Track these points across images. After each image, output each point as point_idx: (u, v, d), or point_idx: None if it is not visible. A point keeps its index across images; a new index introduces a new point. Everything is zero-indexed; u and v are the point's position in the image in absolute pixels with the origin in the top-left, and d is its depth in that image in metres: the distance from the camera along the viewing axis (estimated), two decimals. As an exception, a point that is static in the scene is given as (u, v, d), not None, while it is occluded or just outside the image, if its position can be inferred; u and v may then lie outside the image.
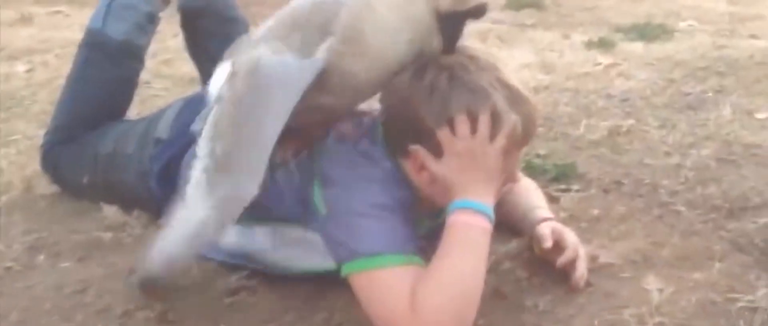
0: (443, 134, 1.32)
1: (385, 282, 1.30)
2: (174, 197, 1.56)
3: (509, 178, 1.40)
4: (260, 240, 1.52)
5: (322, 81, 1.31)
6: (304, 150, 1.46)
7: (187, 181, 1.35)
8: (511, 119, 1.31)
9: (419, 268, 1.32)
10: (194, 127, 1.52)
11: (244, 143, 1.31)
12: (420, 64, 1.33)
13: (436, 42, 1.33)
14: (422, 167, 1.36)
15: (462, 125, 1.30)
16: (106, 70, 1.92)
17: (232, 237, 1.54)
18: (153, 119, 1.81)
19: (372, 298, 1.32)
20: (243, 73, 1.33)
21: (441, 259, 1.30)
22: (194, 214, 1.31)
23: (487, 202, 1.32)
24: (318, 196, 1.39)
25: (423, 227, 1.42)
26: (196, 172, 1.33)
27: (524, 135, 1.35)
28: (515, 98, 1.33)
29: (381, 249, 1.32)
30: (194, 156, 1.35)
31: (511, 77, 1.35)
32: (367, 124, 1.45)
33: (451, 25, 1.30)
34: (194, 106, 1.74)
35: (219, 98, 1.38)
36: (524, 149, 1.49)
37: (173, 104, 1.83)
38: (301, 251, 1.46)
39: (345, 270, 1.35)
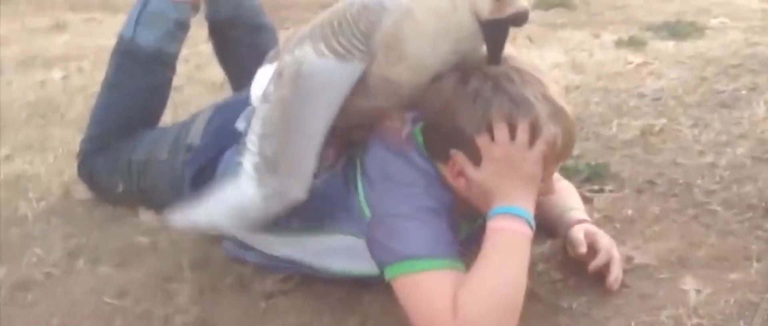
0: (482, 140, 1.32)
1: (428, 285, 1.31)
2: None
3: (545, 190, 1.40)
4: (308, 249, 1.52)
5: (362, 86, 1.34)
6: (344, 152, 1.47)
7: (237, 170, 1.41)
8: (551, 130, 1.32)
9: (461, 273, 1.32)
10: (238, 125, 1.58)
11: (291, 146, 1.36)
12: (465, 71, 1.34)
13: (480, 50, 1.33)
14: (460, 173, 1.36)
15: (501, 131, 1.31)
16: (137, 78, 1.94)
17: (285, 248, 1.55)
18: (184, 125, 1.83)
19: (414, 302, 1.32)
20: (288, 74, 1.36)
21: (483, 265, 1.30)
22: (244, 197, 1.38)
23: (527, 207, 1.32)
24: (362, 199, 1.40)
25: (461, 232, 1.43)
26: (248, 165, 1.38)
27: (563, 149, 1.36)
28: (557, 112, 1.33)
29: (425, 252, 1.32)
30: (243, 150, 1.40)
31: (556, 93, 1.36)
32: (409, 123, 1.45)
33: (493, 33, 1.30)
34: (225, 112, 1.77)
35: (266, 96, 1.40)
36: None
37: (204, 110, 1.84)
38: (347, 258, 1.46)
39: (388, 273, 1.35)
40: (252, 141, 1.39)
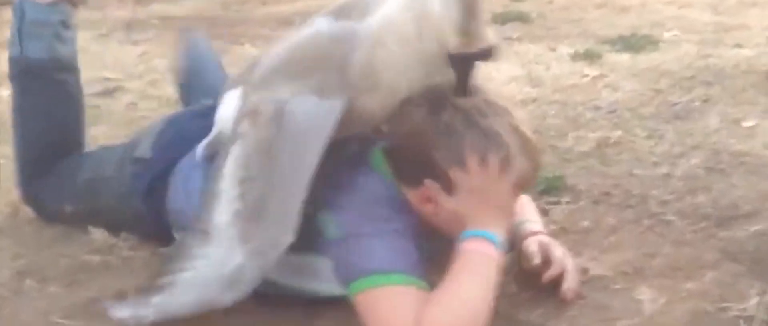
0: (456, 173, 1.34)
1: (390, 300, 1.31)
2: (158, 218, 1.56)
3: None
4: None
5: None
6: None
7: (206, 213, 1.35)
8: (521, 163, 1.35)
9: (425, 292, 1.32)
10: (200, 152, 1.55)
11: (278, 190, 1.32)
12: (435, 101, 1.35)
13: (449, 76, 1.33)
14: (429, 200, 1.38)
15: (474, 163, 1.33)
16: (44, 93, 1.88)
17: None
18: (131, 142, 1.80)
19: (376, 317, 1.32)
20: (268, 116, 1.34)
21: (449, 284, 1.31)
22: (230, 258, 1.31)
23: (499, 233, 1.35)
24: (327, 221, 1.39)
25: (422, 251, 1.42)
26: (223, 218, 1.33)
27: (531, 179, 1.41)
28: (526, 144, 1.36)
29: (389, 268, 1.33)
30: (212, 200, 1.35)
31: (523, 122, 1.39)
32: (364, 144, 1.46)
33: (460, 67, 1.30)
34: (177, 124, 1.75)
35: (239, 135, 1.37)
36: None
37: (153, 125, 1.82)
38: (309, 278, 1.45)
39: (352, 290, 1.34)
40: (229, 185, 1.34)
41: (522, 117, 1.40)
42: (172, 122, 1.78)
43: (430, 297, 1.31)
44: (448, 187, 1.36)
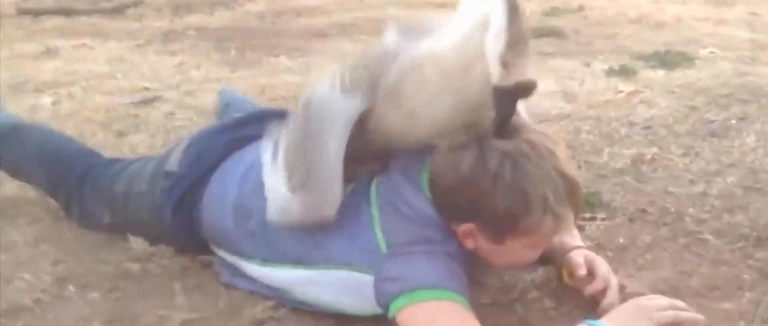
0: (504, 226, 1.38)
1: (436, 314, 1.33)
2: (190, 231, 1.67)
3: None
4: (291, 280, 1.53)
5: (362, 121, 1.42)
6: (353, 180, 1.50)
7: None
8: (565, 209, 1.38)
9: (471, 313, 1.35)
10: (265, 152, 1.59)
11: (313, 170, 1.44)
12: (483, 146, 1.37)
13: (489, 114, 1.35)
14: (470, 236, 1.41)
15: (523, 231, 1.37)
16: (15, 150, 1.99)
17: (263, 278, 1.56)
18: (163, 156, 1.83)
19: None
20: (301, 104, 1.48)
21: None
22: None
23: None
24: (379, 236, 1.42)
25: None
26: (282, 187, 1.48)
27: (575, 215, 1.46)
28: (570, 186, 1.38)
29: (436, 283, 1.35)
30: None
31: (567, 159, 1.41)
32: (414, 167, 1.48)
33: (500, 100, 1.31)
34: (203, 140, 1.78)
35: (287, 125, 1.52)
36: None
37: (182, 139, 1.85)
38: (347, 293, 1.47)
39: (395, 306, 1.36)
40: (279, 168, 1.49)
41: (566, 155, 1.42)
42: (198, 138, 1.80)
43: None
44: (493, 235, 1.39)
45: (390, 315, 1.38)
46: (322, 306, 1.50)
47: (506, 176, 1.34)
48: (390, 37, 1.45)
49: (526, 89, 1.30)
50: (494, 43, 1.27)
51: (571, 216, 1.42)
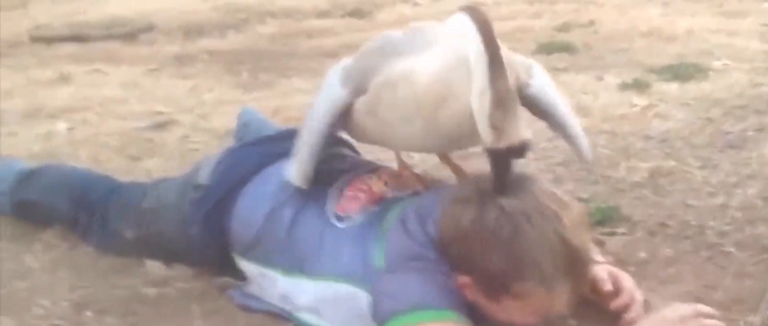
0: (504, 299, 1.34)
1: None
2: (216, 244, 1.68)
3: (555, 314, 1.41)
4: (304, 296, 1.52)
5: (344, 116, 1.47)
6: (371, 206, 1.51)
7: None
8: (563, 283, 1.32)
9: None
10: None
11: (302, 135, 1.53)
12: (484, 202, 1.33)
13: (478, 140, 1.32)
14: (466, 288, 1.37)
15: (516, 298, 1.33)
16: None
17: (280, 289, 1.54)
18: (192, 170, 1.83)
19: None
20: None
21: None
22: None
23: None
24: (380, 252, 1.41)
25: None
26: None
27: (577, 296, 1.37)
28: (572, 256, 1.31)
29: (431, 303, 1.32)
30: None
31: (572, 228, 1.32)
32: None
33: (494, 162, 1.29)
34: (237, 154, 1.79)
35: None
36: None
37: (214, 154, 1.85)
38: (345, 310, 1.45)
39: (395, 324, 1.33)
40: None
41: (574, 220, 1.34)
42: (231, 151, 1.81)
43: None
44: (484, 291, 1.35)
45: None
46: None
47: (503, 237, 1.30)
48: (394, 37, 1.46)
49: (518, 152, 1.27)
50: (480, 102, 1.25)
51: (568, 289, 1.33)
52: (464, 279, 1.36)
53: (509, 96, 1.24)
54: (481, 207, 1.32)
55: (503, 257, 1.30)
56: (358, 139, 1.60)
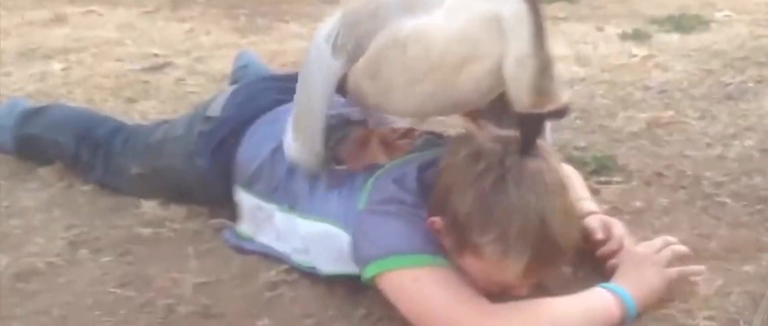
0: (466, 253, 1.30)
1: (427, 282, 1.30)
2: (222, 176, 1.68)
3: (516, 291, 1.35)
4: (296, 235, 1.53)
5: (342, 82, 1.39)
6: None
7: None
8: (522, 256, 1.26)
9: (455, 273, 1.32)
10: None
11: (299, 110, 1.47)
12: (484, 146, 1.30)
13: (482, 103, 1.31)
14: (437, 231, 1.34)
15: (478, 254, 1.29)
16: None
17: (276, 224, 1.56)
18: (202, 104, 1.84)
19: (411, 299, 1.32)
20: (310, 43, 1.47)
21: (554, 304, 1.32)
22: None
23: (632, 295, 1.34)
24: (365, 195, 1.41)
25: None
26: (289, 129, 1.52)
27: (532, 272, 1.30)
28: (541, 234, 1.25)
29: (411, 248, 1.32)
30: None
31: (558, 213, 1.27)
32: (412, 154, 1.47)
33: (527, 125, 1.25)
34: (250, 87, 1.79)
35: None
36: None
37: (227, 88, 1.85)
38: (330, 250, 1.46)
39: (374, 268, 1.34)
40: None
41: (562, 206, 1.28)
42: (246, 85, 1.81)
43: (519, 304, 1.30)
44: (451, 239, 1.32)
45: (364, 277, 1.35)
46: (322, 270, 1.49)
47: (484, 186, 1.27)
48: None
49: (562, 114, 1.24)
50: (521, 67, 1.19)
51: (523, 263, 1.26)
52: (436, 220, 1.34)
53: (551, 59, 1.20)
54: (477, 150, 1.31)
55: (476, 203, 1.26)
56: (353, 104, 1.53)
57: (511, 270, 1.27)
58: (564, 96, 1.22)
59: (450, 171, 1.32)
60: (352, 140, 1.55)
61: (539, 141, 1.30)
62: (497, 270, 1.29)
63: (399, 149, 1.52)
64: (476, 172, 1.28)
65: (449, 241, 1.32)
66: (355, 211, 1.40)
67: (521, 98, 1.22)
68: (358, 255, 1.37)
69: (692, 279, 1.40)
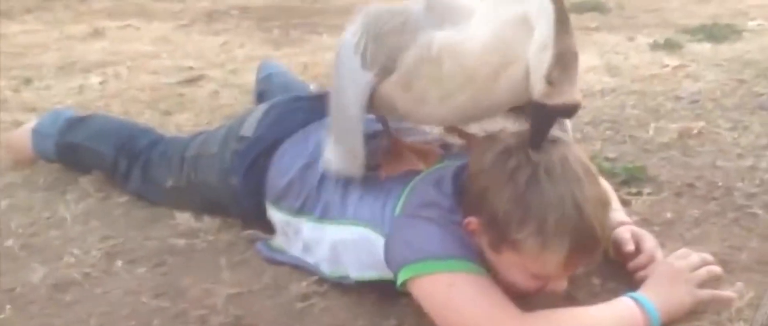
0: (504, 249, 1.32)
1: (460, 289, 1.31)
2: (254, 194, 1.69)
3: (555, 286, 1.37)
4: (324, 245, 1.54)
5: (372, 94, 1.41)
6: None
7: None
8: (562, 245, 1.27)
9: (491, 281, 1.33)
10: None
11: (337, 120, 1.48)
12: (510, 146, 1.32)
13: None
14: (473, 233, 1.36)
15: (518, 251, 1.31)
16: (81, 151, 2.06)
17: (304, 237, 1.58)
18: (235, 122, 1.87)
19: (445, 305, 1.32)
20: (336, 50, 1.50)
21: (584, 314, 1.33)
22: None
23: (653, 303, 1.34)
24: (401, 201, 1.42)
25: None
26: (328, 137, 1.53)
27: (572, 263, 1.32)
28: (579, 222, 1.27)
29: (447, 253, 1.33)
30: None
31: (591, 199, 1.29)
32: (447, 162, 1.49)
33: (537, 115, 1.27)
34: (281, 107, 1.81)
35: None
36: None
37: (259, 107, 1.88)
38: (362, 254, 1.47)
39: (409, 272, 1.34)
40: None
41: (595, 194, 1.30)
42: (277, 104, 1.83)
43: (547, 313, 1.31)
44: (489, 238, 1.33)
45: (399, 281, 1.36)
46: (347, 276, 1.51)
47: (519, 181, 1.28)
48: (415, 8, 1.39)
49: (567, 112, 1.25)
50: (539, 56, 1.21)
51: (563, 254, 1.27)
52: (473, 220, 1.35)
53: (571, 55, 1.21)
54: (505, 149, 1.33)
55: (512, 200, 1.28)
56: (381, 113, 1.52)
57: (552, 261, 1.29)
58: (576, 94, 1.23)
59: (482, 172, 1.34)
60: (385, 149, 1.56)
61: (559, 134, 1.32)
62: (537, 264, 1.30)
63: (433, 155, 1.54)
64: (509, 170, 1.30)
65: (486, 240, 1.34)
66: (390, 216, 1.42)
67: (535, 85, 1.23)
68: (393, 258, 1.38)
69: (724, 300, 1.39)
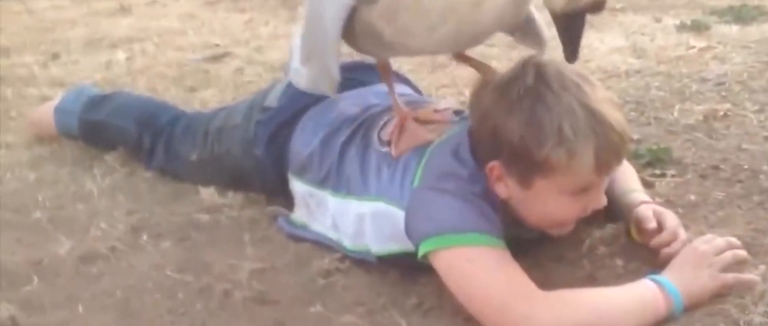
0: (536, 178, 1.34)
1: (480, 262, 1.32)
2: (277, 165, 1.71)
3: (593, 203, 1.39)
4: (350, 219, 1.55)
5: (351, 22, 1.40)
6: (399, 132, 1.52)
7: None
8: (586, 144, 1.30)
9: (509, 255, 1.34)
10: None
11: (310, 35, 1.49)
12: (506, 77, 1.34)
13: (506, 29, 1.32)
14: (499, 178, 1.37)
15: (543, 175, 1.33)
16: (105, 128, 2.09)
17: (331, 210, 1.59)
18: (260, 94, 1.88)
19: (465, 279, 1.33)
20: None
21: (599, 295, 1.33)
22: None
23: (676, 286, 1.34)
24: (419, 172, 1.43)
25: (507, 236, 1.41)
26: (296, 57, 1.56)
27: (603, 162, 1.33)
28: (594, 120, 1.31)
29: (468, 227, 1.34)
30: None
31: (596, 98, 1.33)
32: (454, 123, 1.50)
33: (568, 26, 1.26)
34: None
35: None
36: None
37: (283, 79, 1.88)
38: (384, 228, 1.48)
39: (430, 245, 1.35)
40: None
41: (598, 94, 1.33)
42: None
43: (566, 292, 1.31)
44: (515, 175, 1.35)
45: (420, 254, 1.37)
46: (367, 250, 1.52)
47: (524, 107, 1.31)
48: None
49: (597, 6, 1.24)
50: None
51: (591, 152, 1.30)
52: (495, 165, 1.36)
53: None
54: (501, 86, 1.34)
55: (523, 124, 1.31)
56: (365, 50, 1.53)
57: (583, 167, 1.31)
58: None
59: (485, 115, 1.36)
60: (393, 124, 1.57)
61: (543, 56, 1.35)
62: (569, 177, 1.32)
63: (440, 122, 1.55)
64: (510, 101, 1.32)
65: (514, 180, 1.36)
66: (408, 188, 1.43)
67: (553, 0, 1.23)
68: (413, 231, 1.39)
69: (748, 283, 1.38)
